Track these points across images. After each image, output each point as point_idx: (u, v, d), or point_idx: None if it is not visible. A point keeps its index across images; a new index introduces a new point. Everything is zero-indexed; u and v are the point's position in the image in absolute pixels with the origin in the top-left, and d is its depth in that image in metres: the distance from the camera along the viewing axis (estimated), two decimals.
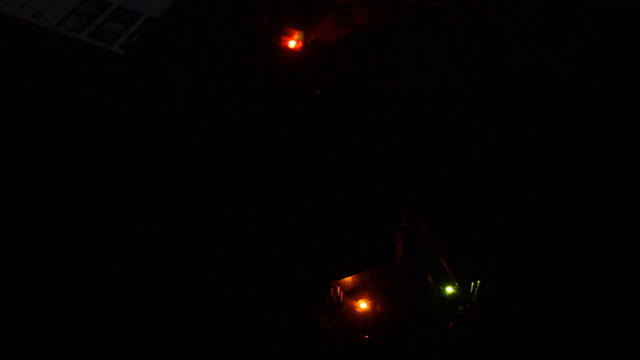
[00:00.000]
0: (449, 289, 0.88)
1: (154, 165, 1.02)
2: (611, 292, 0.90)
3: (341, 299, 0.88)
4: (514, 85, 1.14)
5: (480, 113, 1.11)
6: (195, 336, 0.88)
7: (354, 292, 0.89)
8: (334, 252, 0.97)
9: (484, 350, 0.85)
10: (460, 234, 0.96)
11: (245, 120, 1.09)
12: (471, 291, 0.87)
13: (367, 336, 0.85)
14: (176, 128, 1.07)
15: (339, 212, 1.01)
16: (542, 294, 0.90)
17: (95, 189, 1.01)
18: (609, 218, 0.96)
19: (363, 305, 0.88)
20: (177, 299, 0.91)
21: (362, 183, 1.03)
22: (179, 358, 0.87)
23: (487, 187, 1.02)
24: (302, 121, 1.05)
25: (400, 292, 0.89)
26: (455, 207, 0.99)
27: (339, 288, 0.88)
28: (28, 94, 1.17)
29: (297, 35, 1.21)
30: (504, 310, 0.88)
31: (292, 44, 1.21)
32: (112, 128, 1.11)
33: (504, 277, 0.90)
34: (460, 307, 0.87)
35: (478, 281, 0.86)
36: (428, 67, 1.16)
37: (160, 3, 1.30)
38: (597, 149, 1.04)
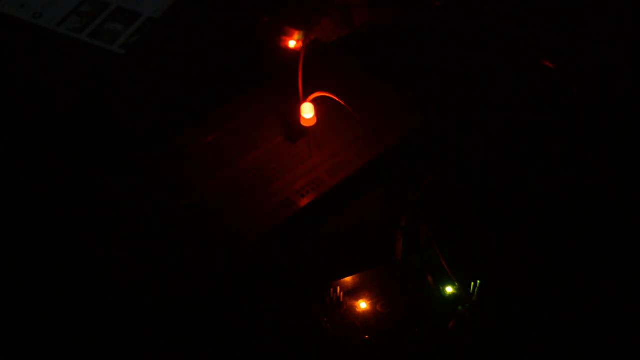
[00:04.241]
0: (449, 289, 0.88)
1: (154, 165, 1.02)
2: (611, 292, 0.90)
3: (341, 299, 0.88)
4: (513, 84, 1.14)
5: (480, 112, 1.11)
6: (194, 336, 0.88)
7: (354, 292, 0.89)
8: (334, 252, 0.97)
9: (484, 350, 0.85)
10: (460, 234, 0.96)
11: (245, 119, 1.09)
12: (471, 291, 0.87)
13: (367, 336, 0.85)
14: (176, 128, 1.07)
15: (339, 212, 1.01)
16: (542, 294, 0.90)
17: (94, 189, 1.01)
18: (609, 218, 0.97)
19: (363, 305, 0.88)
20: (177, 299, 0.91)
21: (362, 183, 1.03)
22: (179, 358, 0.87)
23: (487, 187, 1.02)
24: (301, 121, 1.05)
25: (400, 292, 0.89)
26: (456, 207, 0.99)
27: (339, 288, 0.88)
28: (28, 94, 1.17)
29: (297, 35, 1.21)
30: (504, 310, 0.88)
31: (292, 44, 1.21)
32: (112, 128, 1.11)
33: (504, 277, 0.90)
34: (460, 307, 0.87)
35: (478, 281, 0.86)
36: (428, 67, 1.16)
37: (160, 3, 1.30)
38: (597, 147, 1.04)
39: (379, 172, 1.03)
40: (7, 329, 0.90)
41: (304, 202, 0.99)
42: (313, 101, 1.03)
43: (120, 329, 0.89)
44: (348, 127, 1.06)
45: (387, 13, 1.22)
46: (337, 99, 0.99)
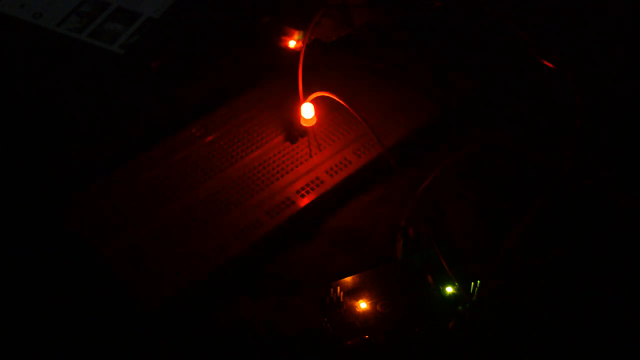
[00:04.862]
0: (449, 289, 0.88)
1: (154, 165, 1.02)
2: (611, 292, 0.90)
3: (341, 299, 0.88)
4: (513, 84, 1.14)
5: (480, 112, 1.11)
6: (194, 336, 0.88)
7: (354, 292, 0.89)
8: (334, 252, 0.97)
9: (484, 350, 0.85)
10: (460, 234, 0.96)
11: (245, 119, 1.09)
12: (471, 291, 0.87)
13: (367, 336, 0.85)
14: (176, 128, 1.07)
15: (339, 212, 1.01)
16: (542, 294, 0.90)
17: (94, 189, 1.01)
18: (609, 218, 0.97)
19: (363, 305, 0.88)
20: (177, 299, 0.91)
21: (362, 183, 1.03)
22: (178, 358, 0.87)
23: (487, 187, 1.02)
24: (301, 121, 1.05)
25: (400, 292, 0.89)
26: (456, 208, 0.99)
27: (339, 288, 0.88)
28: (28, 94, 1.17)
29: (297, 35, 1.21)
30: (504, 310, 0.88)
31: (292, 44, 1.21)
32: (112, 128, 1.11)
33: (504, 277, 0.90)
34: (460, 307, 0.87)
35: (478, 281, 0.86)
36: (427, 67, 1.16)
37: (160, 3, 1.30)
38: (597, 148, 1.04)
39: (379, 172, 1.03)
40: (7, 329, 0.90)
41: (304, 202, 0.99)
42: (313, 101, 1.03)
43: (121, 329, 0.89)
44: (348, 127, 1.07)
45: (387, 13, 1.22)
46: (337, 99, 0.99)
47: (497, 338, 0.86)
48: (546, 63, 1.07)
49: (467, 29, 1.20)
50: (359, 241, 0.98)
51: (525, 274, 0.91)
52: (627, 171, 1.02)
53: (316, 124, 1.05)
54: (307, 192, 1.00)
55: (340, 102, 1.00)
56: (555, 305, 0.89)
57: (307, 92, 1.03)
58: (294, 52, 1.20)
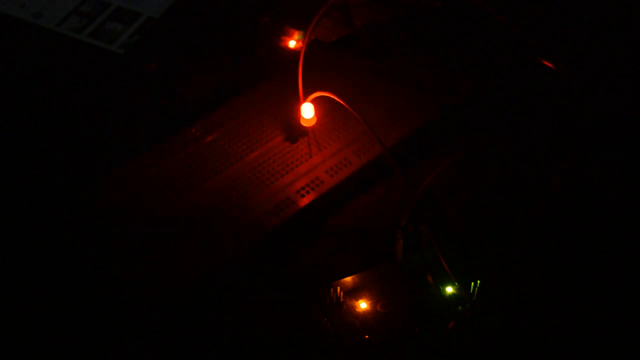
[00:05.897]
0: (449, 289, 0.88)
1: (153, 165, 1.02)
2: (611, 292, 0.90)
3: (341, 299, 0.88)
4: (514, 84, 1.14)
5: (480, 112, 1.11)
6: (194, 336, 0.88)
7: (354, 292, 0.89)
8: (334, 252, 0.97)
9: (484, 351, 0.85)
10: (460, 234, 0.96)
11: (245, 120, 1.09)
12: (471, 291, 0.87)
13: (367, 336, 0.85)
14: (176, 128, 1.07)
15: (339, 212, 1.01)
16: (542, 294, 0.90)
17: (94, 189, 1.01)
18: (609, 218, 0.97)
19: (363, 305, 0.88)
20: (177, 298, 0.91)
21: (362, 183, 1.03)
22: (179, 358, 0.87)
23: (487, 187, 1.02)
24: (301, 121, 1.05)
25: (400, 292, 0.89)
26: (456, 207, 0.99)
27: (339, 288, 0.88)
28: (28, 94, 1.17)
29: (297, 35, 1.21)
30: (504, 310, 0.88)
31: (292, 44, 1.21)
32: (112, 128, 1.11)
33: (504, 277, 0.90)
34: (460, 307, 0.87)
35: (478, 281, 0.86)
36: (428, 67, 1.16)
37: (160, 3, 1.30)
38: (597, 147, 1.04)
39: (379, 172, 1.03)
40: (7, 329, 0.90)
41: (304, 202, 0.99)
42: (313, 101, 1.03)
43: (121, 329, 0.89)
44: (348, 127, 1.07)
45: (387, 13, 1.22)
46: (337, 99, 0.99)
47: (497, 338, 0.86)
48: (546, 63, 1.07)
49: (467, 29, 1.20)
50: (359, 241, 0.98)
51: (525, 274, 0.91)
52: (626, 171, 1.02)
53: (316, 123, 1.05)
54: (307, 192, 1.00)
55: (340, 102, 1.00)
56: (555, 305, 0.89)
57: (307, 92, 1.03)
58: (294, 52, 1.20)
